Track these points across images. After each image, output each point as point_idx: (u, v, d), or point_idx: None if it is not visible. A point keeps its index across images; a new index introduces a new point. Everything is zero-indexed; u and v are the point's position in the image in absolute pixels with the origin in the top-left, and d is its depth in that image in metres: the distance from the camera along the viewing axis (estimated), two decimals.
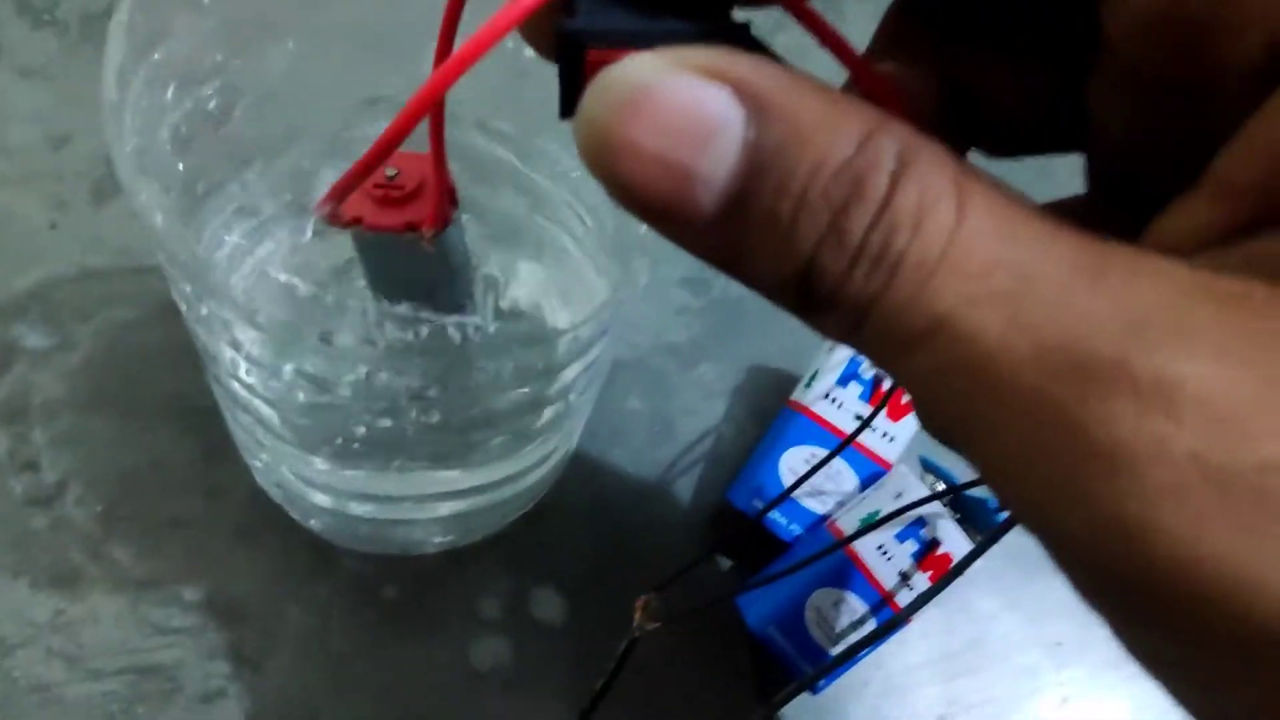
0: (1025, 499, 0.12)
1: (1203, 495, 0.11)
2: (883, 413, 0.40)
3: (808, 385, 0.42)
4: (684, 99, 0.12)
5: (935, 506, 0.34)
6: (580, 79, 0.13)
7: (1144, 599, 0.11)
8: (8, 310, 0.40)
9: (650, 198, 0.12)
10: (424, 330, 0.22)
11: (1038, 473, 0.12)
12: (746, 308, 0.48)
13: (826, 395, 0.41)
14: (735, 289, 0.48)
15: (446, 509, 0.35)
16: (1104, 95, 0.16)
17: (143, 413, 0.40)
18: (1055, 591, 0.43)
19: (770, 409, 0.45)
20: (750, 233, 0.12)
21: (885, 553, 0.34)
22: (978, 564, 0.43)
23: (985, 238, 0.12)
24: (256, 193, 0.32)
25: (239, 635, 0.36)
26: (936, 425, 0.15)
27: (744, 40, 0.14)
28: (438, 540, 0.38)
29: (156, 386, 0.40)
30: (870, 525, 0.34)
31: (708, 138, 0.12)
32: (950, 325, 0.12)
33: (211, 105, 0.30)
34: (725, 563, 0.42)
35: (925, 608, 0.42)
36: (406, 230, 0.24)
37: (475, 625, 0.38)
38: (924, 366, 0.12)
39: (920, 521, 0.34)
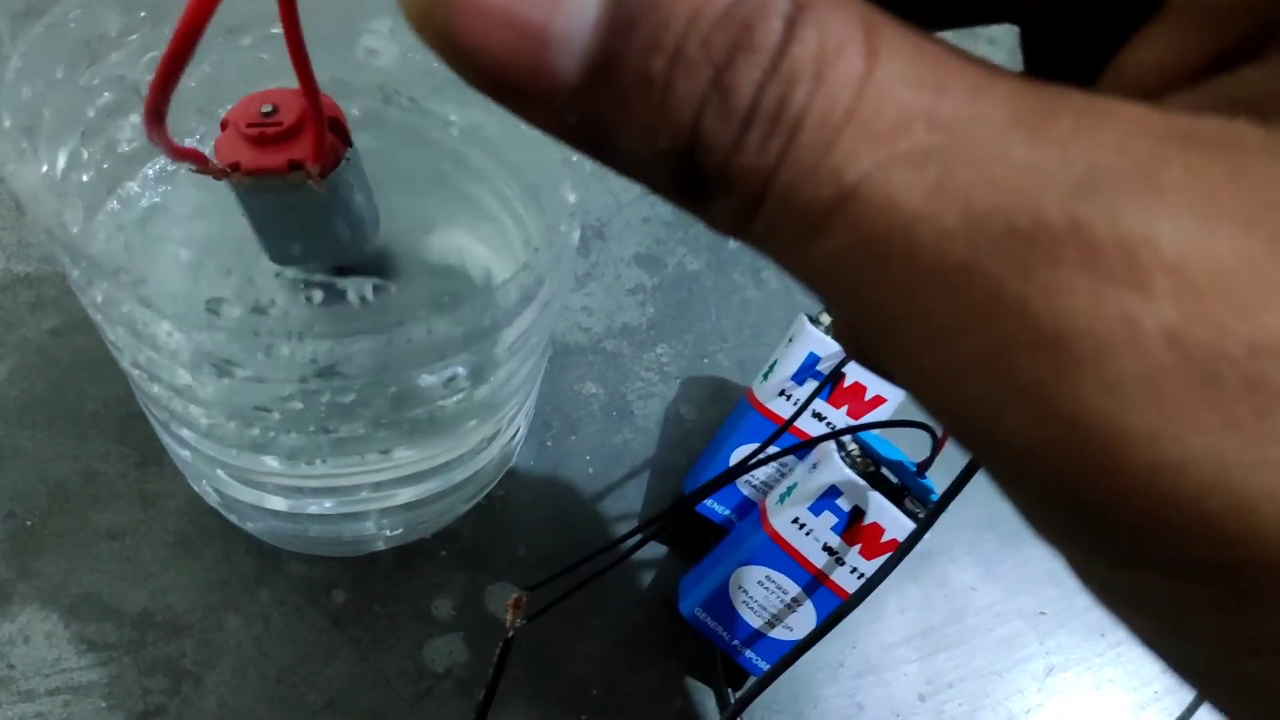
0: (959, 405, 0.10)
1: (1182, 385, 0.09)
2: (842, 411, 0.38)
3: (765, 378, 0.39)
4: None
5: (854, 479, 0.31)
6: None
7: (1112, 519, 0.09)
8: None
9: (497, 68, 0.10)
10: (318, 295, 0.20)
11: (973, 370, 0.10)
12: (704, 284, 0.46)
13: (781, 392, 0.38)
14: (692, 264, 0.46)
15: (393, 499, 0.33)
16: None
17: (74, 422, 0.38)
18: (1036, 559, 0.42)
19: (731, 389, 0.44)
20: (619, 103, 0.10)
21: (803, 527, 0.32)
22: (952, 535, 0.42)
23: (901, 87, 0.10)
24: (166, 174, 0.31)
25: (178, 648, 0.35)
26: (857, 335, 0.13)
27: None
28: (389, 534, 0.36)
29: (87, 394, 0.38)
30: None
31: None
32: (862, 194, 0.09)
33: (116, 80, 0.28)
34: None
35: (899, 583, 0.40)
36: (290, 170, 0.21)
37: (429, 625, 0.36)
38: (833, 252, 0.10)
39: (834, 491, 0.32)
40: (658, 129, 0.10)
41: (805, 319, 0.37)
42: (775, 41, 0.10)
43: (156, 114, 0.16)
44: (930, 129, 0.09)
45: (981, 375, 0.10)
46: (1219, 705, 0.12)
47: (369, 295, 0.20)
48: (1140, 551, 0.10)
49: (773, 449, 0.37)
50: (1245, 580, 0.09)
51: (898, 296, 0.10)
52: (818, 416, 0.38)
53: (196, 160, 0.21)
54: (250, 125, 0.21)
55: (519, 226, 0.29)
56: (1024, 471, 0.10)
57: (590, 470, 0.41)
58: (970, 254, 0.09)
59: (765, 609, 0.34)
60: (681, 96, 0.10)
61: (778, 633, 0.34)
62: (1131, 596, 0.11)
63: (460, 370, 0.26)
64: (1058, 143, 0.09)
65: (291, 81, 0.19)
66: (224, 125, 0.22)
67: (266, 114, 0.21)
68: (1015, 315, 0.09)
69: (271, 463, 0.30)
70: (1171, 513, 0.09)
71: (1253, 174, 0.09)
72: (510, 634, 0.32)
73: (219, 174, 0.21)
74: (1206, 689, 0.12)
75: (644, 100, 0.10)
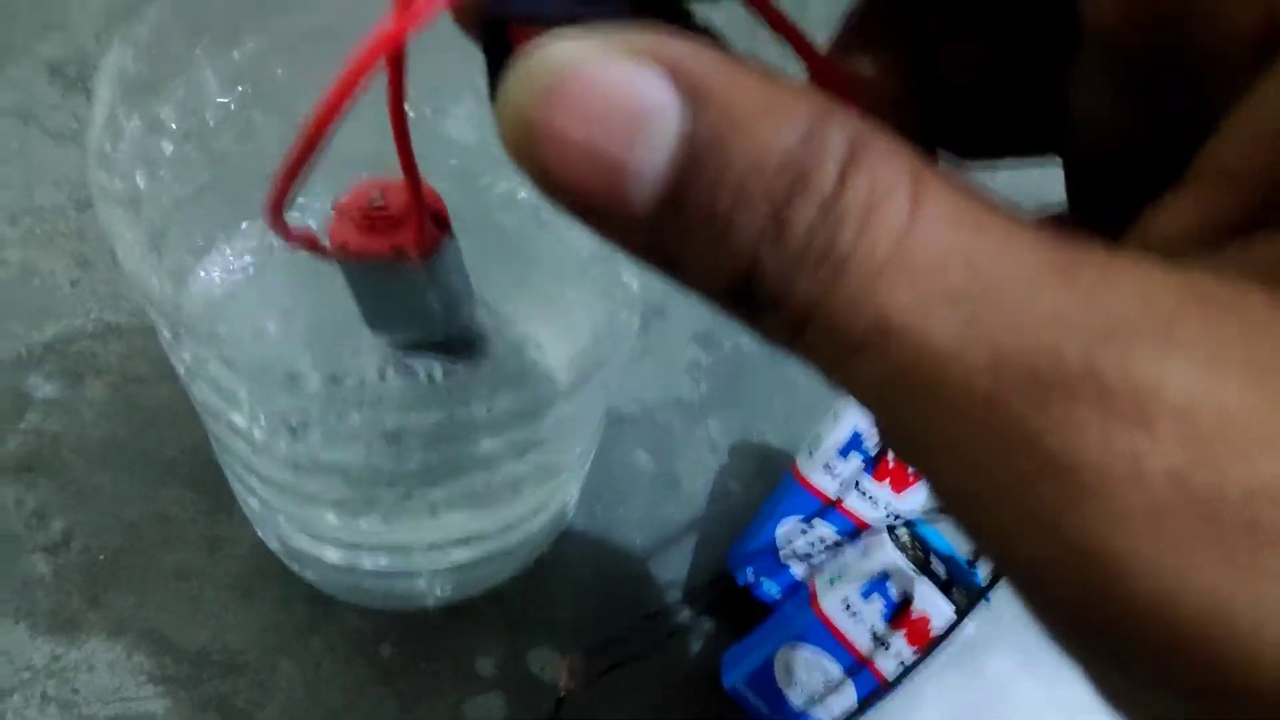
0: (984, 527, 0.11)
1: (1183, 522, 0.09)
2: (886, 486, 0.39)
3: (810, 453, 0.40)
4: (613, 83, 0.11)
5: (904, 567, 0.32)
6: (505, 59, 0.12)
7: (1121, 641, 0.10)
8: (25, 361, 0.41)
9: (578, 193, 0.11)
10: (390, 370, 0.22)
11: (995, 497, 0.10)
12: (757, 364, 0.47)
13: (826, 466, 0.39)
14: (747, 345, 0.47)
15: (445, 560, 0.35)
16: (1084, 81, 0.15)
17: (152, 466, 0.40)
18: None
19: (778, 466, 0.44)
20: (685, 231, 0.11)
21: (851, 610, 0.33)
22: (994, 627, 0.42)
23: (941, 233, 0.10)
24: (259, 242, 0.33)
25: (232, 686, 0.36)
26: (894, 443, 0.14)
27: (683, 21, 0.13)
28: (439, 593, 0.37)
29: (166, 441, 0.41)
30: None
31: (639, 127, 0.11)
32: (899, 328, 0.10)
33: (216, 158, 0.31)
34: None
35: (939, 671, 0.40)
36: (393, 255, 0.23)
37: (471, 682, 0.37)
38: (871, 375, 0.11)
39: (884, 576, 0.32)
40: (719, 255, 0.11)
41: None
42: (829, 187, 0.11)
43: (279, 207, 0.17)
44: (964, 271, 0.10)
45: (1002, 501, 0.10)
46: None
47: (437, 376, 0.21)
48: (1150, 673, 0.10)
49: (822, 527, 0.38)
50: (1247, 705, 0.10)
51: (927, 423, 0.11)
52: (861, 492, 0.38)
53: (310, 245, 0.23)
54: (362, 212, 0.23)
55: (582, 308, 0.31)
56: (1041, 591, 0.11)
57: (637, 540, 0.42)
58: (995, 390, 0.10)
59: (807, 688, 0.35)
60: (741, 230, 0.11)
61: (817, 712, 0.35)
62: (1147, 711, 0.11)
63: (517, 442, 0.27)
64: (1082, 292, 0.10)
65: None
66: (338, 211, 0.24)
67: (375, 202, 0.23)
68: (1032, 447, 0.10)
69: (330, 518, 0.32)
70: (1174, 639, 0.10)
71: (1263, 336, 0.10)
72: (562, 695, 0.33)
73: (329, 256, 0.23)
74: None
75: (708, 230, 0.11)
